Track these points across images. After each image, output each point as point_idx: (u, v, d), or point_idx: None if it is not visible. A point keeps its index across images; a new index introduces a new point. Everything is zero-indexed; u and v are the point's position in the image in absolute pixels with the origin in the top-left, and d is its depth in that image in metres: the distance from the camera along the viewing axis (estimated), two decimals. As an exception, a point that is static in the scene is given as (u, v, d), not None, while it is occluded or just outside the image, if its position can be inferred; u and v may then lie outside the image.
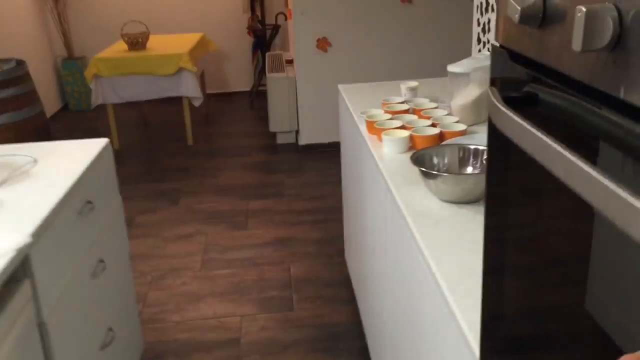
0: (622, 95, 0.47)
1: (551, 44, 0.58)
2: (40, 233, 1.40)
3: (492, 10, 2.32)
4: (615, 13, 0.46)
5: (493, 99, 0.62)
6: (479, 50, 2.46)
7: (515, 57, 0.67)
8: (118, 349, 1.96)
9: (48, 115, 5.57)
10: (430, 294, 1.20)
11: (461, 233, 1.30)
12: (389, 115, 1.96)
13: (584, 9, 0.47)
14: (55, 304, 1.46)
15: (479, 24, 2.49)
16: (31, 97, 3.71)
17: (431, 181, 1.41)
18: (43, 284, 1.39)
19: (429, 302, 1.22)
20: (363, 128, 2.00)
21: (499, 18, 0.71)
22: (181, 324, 2.62)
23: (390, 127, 1.84)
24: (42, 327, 1.40)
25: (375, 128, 1.88)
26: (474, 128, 1.86)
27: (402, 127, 1.85)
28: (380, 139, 1.83)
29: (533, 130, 0.52)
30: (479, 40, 2.50)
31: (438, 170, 1.51)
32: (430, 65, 4.46)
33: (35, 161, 1.83)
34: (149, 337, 2.53)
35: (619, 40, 0.47)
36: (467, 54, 4.01)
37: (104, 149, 1.97)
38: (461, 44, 4.32)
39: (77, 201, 1.66)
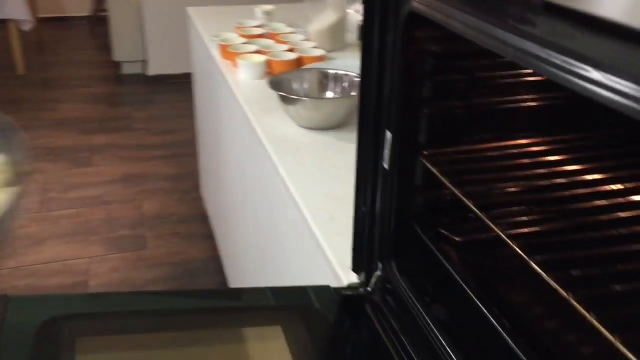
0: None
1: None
2: None
3: None
4: None
5: None
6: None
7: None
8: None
9: None
10: (294, 222, 1.16)
11: (322, 159, 1.26)
12: (244, 40, 1.85)
13: None
14: None
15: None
16: None
17: (290, 107, 1.35)
18: None
19: (293, 229, 1.18)
20: (216, 53, 1.87)
21: None
22: (19, 270, 2.38)
23: (245, 52, 1.74)
24: None
25: (229, 52, 1.76)
26: (333, 54, 1.81)
27: (258, 52, 1.75)
28: (234, 65, 1.72)
29: None
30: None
31: (297, 96, 1.45)
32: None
33: None
34: (-18, 287, 2.28)
35: None
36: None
37: None
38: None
39: None
